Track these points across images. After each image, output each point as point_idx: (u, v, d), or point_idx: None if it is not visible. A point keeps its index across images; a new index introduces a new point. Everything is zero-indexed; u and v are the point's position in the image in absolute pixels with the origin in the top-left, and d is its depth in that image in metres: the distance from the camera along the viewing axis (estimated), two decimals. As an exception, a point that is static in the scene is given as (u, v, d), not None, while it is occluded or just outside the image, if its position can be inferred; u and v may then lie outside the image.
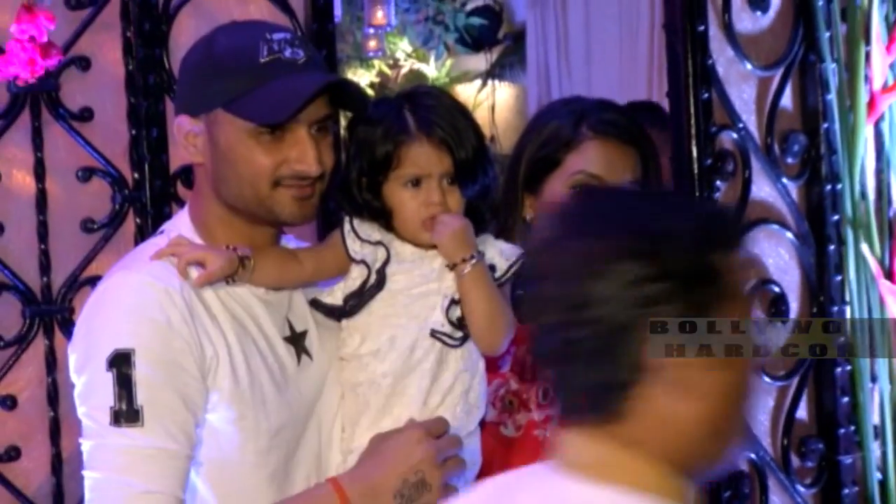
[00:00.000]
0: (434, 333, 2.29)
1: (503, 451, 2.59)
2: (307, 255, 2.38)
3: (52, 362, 3.33)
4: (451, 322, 2.30)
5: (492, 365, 2.58)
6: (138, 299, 2.19)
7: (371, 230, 2.33)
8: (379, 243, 2.32)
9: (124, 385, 2.11)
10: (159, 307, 2.16)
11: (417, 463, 2.18)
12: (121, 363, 2.12)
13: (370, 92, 7.13)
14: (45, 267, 3.37)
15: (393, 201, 2.30)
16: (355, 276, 2.31)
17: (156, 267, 2.23)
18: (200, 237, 2.30)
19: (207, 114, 2.24)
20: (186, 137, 2.28)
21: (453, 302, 2.30)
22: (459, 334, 2.30)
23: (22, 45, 2.87)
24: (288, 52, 2.22)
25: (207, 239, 2.30)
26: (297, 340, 2.32)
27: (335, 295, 2.33)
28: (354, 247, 2.32)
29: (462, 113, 2.34)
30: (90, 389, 2.15)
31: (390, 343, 2.28)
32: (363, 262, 2.31)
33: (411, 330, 2.28)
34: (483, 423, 2.52)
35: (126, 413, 2.11)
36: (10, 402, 3.35)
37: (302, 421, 2.28)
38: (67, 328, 3.37)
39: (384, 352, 2.28)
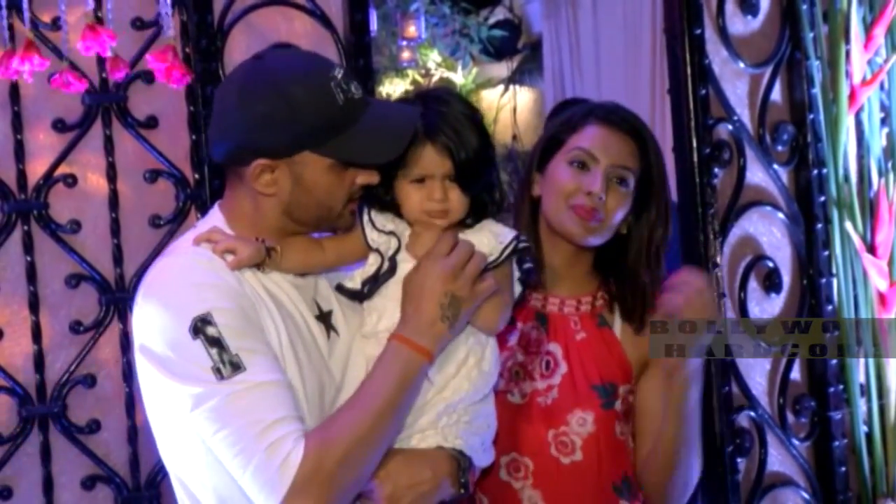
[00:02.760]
0: None
1: (510, 416, 2.56)
2: (330, 244, 2.35)
3: (126, 344, 3.31)
4: None
5: (500, 339, 2.55)
6: (194, 271, 2.17)
7: (386, 221, 2.31)
8: (391, 233, 2.30)
9: (215, 343, 2.08)
10: (215, 274, 2.15)
11: (442, 287, 2.20)
12: (203, 326, 2.08)
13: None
14: (117, 259, 3.37)
15: (400, 195, 2.29)
16: (371, 263, 2.30)
17: (199, 248, 2.22)
18: (229, 228, 2.27)
19: (292, 156, 2.19)
20: (262, 176, 2.21)
21: None
22: None
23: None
24: (354, 88, 2.20)
25: (236, 230, 2.27)
26: (325, 318, 2.31)
27: (355, 280, 2.31)
28: (372, 235, 2.30)
29: (469, 118, 2.29)
30: (183, 363, 2.10)
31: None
32: (377, 250, 2.30)
33: None
34: (495, 393, 2.51)
35: (227, 366, 2.08)
36: (90, 381, 3.35)
37: (333, 392, 2.26)
38: (139, 313, 3.39)
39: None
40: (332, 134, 2.17)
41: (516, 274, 2.36)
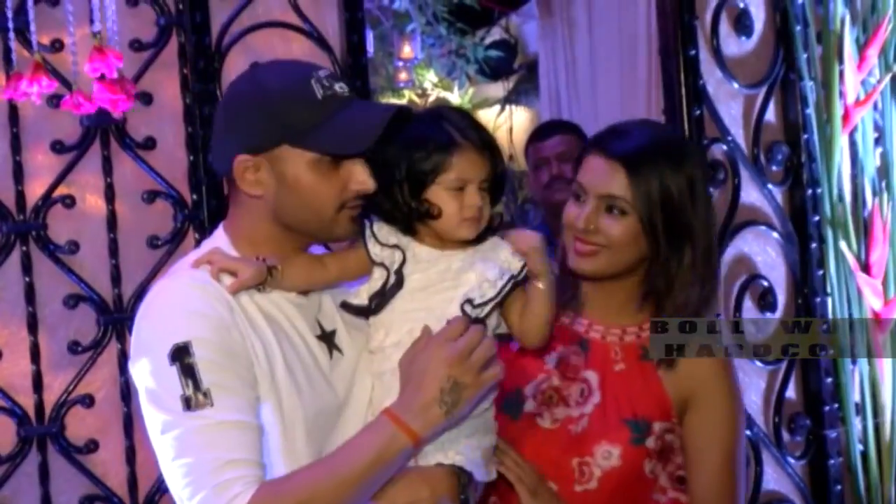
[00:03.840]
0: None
1: (537, 440, 2.51)
2: (331, 260, 2.33)
3: (124, 364, 3.29)
4: (466, 315, 2.25)
5: (538, 361, 2.55)
6: (185, 298, 2.15)
7: (389, 234, 2.29)
8: (395, 246, 2.28)
9: (189, 373, 2.07)
10: (205, 302, 2.13)
11: (445, 370, 2.14)
12: (181, 355, 2.07)
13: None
14: (115, 280, 3.37)
15: (438, 203, 2.26)
16: (377, 278, 2.28)
17: (197, 272, 2.20)
18: (236, 250, 2.26)
19: (271, 150, 2.18)
20: (245, 173, 2.20)
21: (468, 301, 2.25)
22: None
23: (108, 87, 2.85)
24: (338, 87, 2.18)
25: (244, 251, 2.25)
26: (327, 338, 2.29)
27: (360, 296, 2.29)
28: (375, 250, 2.28)
29: (486, 129, 2.33)
30: (160, 387, 2.10)
31: (409, 335, 2.24)
32: (382, 264, 2.28)
33: (429, 321, 2.23)
34: (521, 413, 2.50)
35: (196, 397, 2.06)
36: (88, 401, 3.34)
37: (336, 409, 2.24)
38: (138, 333, 3.39)
39: (404, 343, 2.24)
40: (310, 127, 2.15)
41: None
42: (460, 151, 2.24)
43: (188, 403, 2.07)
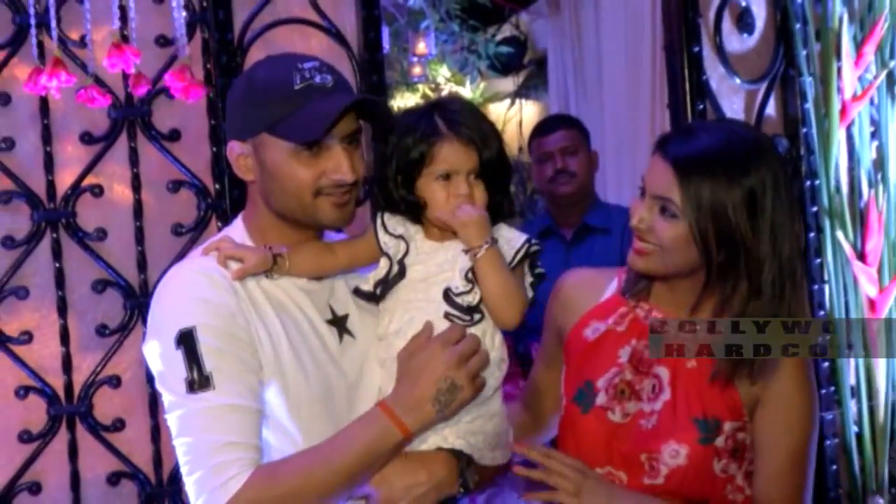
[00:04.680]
0: (447, 315, 2.23)
1: (607, 432, 2.42)
2: (341, 248, 2.34)
3: (151, 346, 3.32)
4: (457, 306, 2.23)
5: (611, 354, 2.47)
6: (191, 285, 2.16)
7: (397, 225, 2.29)
8: (400, 237, 2.27)
9: (193, 358, 2.09)
10: (210, 289, 2.14)
11: (444, 371, 2.13)
12: (186, 340, 2.09)
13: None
14: (141, 265, 3.38)
15: (426, 194, 2.25)
16: (382, 266, 2.27)
17: (206, 260, 2.22)
18: (251, 239, 2.28)
19: (254, 138, 2.21)
20: (238, 159, 2.25)
21: (449, 291, 2.24)
22: (467, 318, 2.24)
23: (178, 76, 2.91)
24: (318, 79, 2.18)
25: (258, 240, 2.27)
26: (338, 322, 2.29)
27: (369, 282, 2.29)
28: (384, 239, 2.27)
29: (484, 118, 2.29)
30: (167, 369, 2.12)
31: (409, 323, 2.24)
32: (387, 253, 2.27)
33: (429, 312, 2.23)
34: (592, 406, 2.44)
35: (199, 380, 2.08)
36: (115, 381, 3.36)
37: (347, 390, 2.24)
38: (163, 317, 3.40)
39: (404, 331, 2.24)
40: (283, 116, 2.16)
41: (528, 279, 2.31)
42: (445, 142, 2.23)
43: (191, 386, 2.09)
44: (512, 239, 2.26)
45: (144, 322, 3.31)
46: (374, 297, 2.29)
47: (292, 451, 2.15)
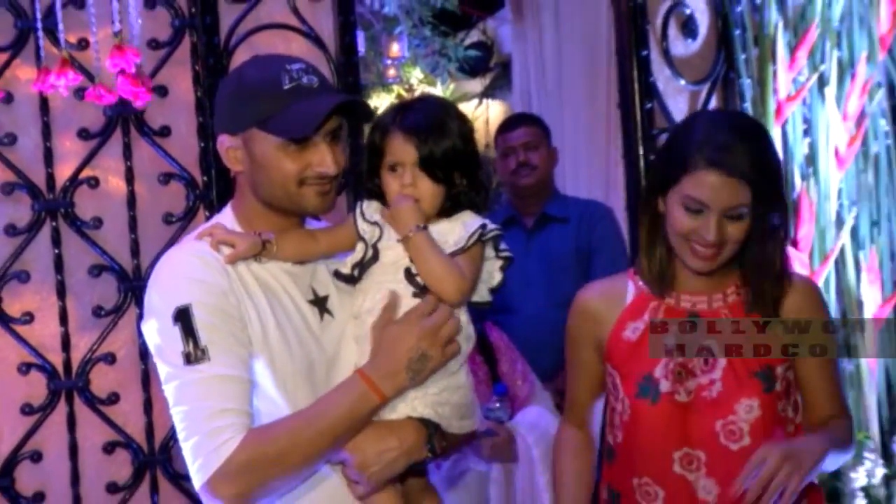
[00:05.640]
0: (416, 295, 2.23)
1: (679, 414, 2.41)
2: (323, 234, 2.33)
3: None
4: (416, 284, 2.23)
5: (658, 343, 2.45)
6: (186, 266, 2.17)
7: (374, 212, 2.28)
8: (376, 224, 2.27)
9: (189, 332, 2.09)
10: (204, 270, 2.15)
11: (416, 342, 2.15)
12: (183, 316, 2.10)
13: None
14: (134, 252, 3.38)
15: (382, 183, 2.27)
16: (359, 250, 2.27)
17: (199, 244, 2.21)
18: (240, 226, 2.27)
19: (243, 132, 2.20)
20: (228, 152, 2.24)
21: (408, 271, 2.24)
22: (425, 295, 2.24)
23: (130, 81, 2.88)
24: (305, 79, 2.18)
25: (246, 227, 2.27)
26: (319, 303, 2.29)
27: (347, 266, 2.28)
28: (362, 225, 2.27)
29: (441, 115, 2.25)
30: (165, 343, 2.12)
31: (380, 302, 2.24)
32: (364, 238, 2.27)
33: (398, 292, 2.23)
34: (659, 396, 2.41)
35: (195, 353, 2.09)
36: (110, 358, 3.37)
37: (327, 364, 2.25)
38: (154, 299, 3.40)
39: (376, 311, 2.24)
40: (273, 113, 2.16)
41: (498, 262, 2.30)
42: (390, 135, 2.24)
43: (188, 358, 2.09)
44: (468, 224, 2.24)
45: (137, 304, 3.35)
46: (351, 279, 2.29)
47: (278, 414, 2.16)
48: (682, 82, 3.82)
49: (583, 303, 2.60)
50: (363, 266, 2.27)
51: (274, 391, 2.16)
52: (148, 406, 3.37)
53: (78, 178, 3.34)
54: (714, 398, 2.41)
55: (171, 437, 3.34)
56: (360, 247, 2.28)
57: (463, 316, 2.28)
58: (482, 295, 2.31)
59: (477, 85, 8.41)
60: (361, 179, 2.33)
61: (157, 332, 2.14)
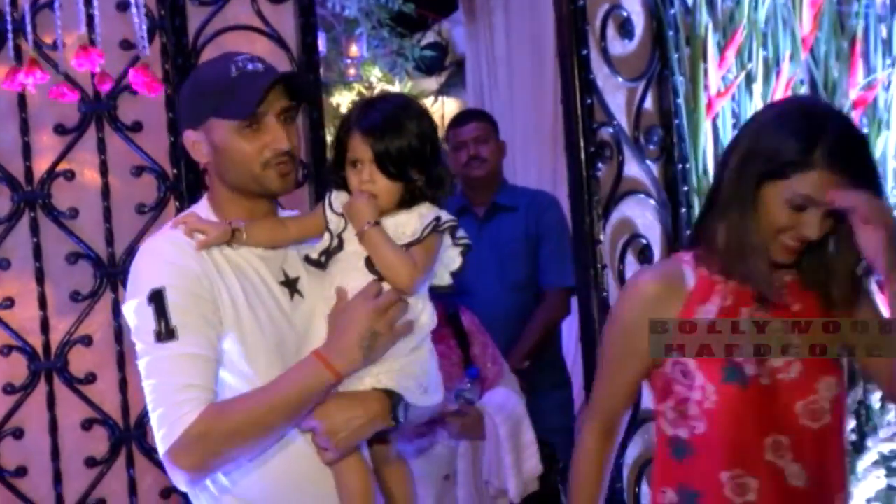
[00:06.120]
0: (376, 281, 2.27)
1: (769, 400, 2.25)
2: (292, 222, 2.38)
3: (117, 310, 3.34)
4: (376, 272, 2.27)
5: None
6: (161, 252, 2.23)
7: (340, 204, 2.32)
8: (342, 215, 2.31)
9: (161, 313, 2.15)
10: (177, 255, 2.21)
11: (366, 322, 2.19)
12: (157, 298, 2.16)
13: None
14: (109, 240, 3.40)
15: (346, 176, 2.30)
16: (325, 239, 2.31)
17: (175, 232, 2.27)
18: (215, 214, 2.33)
19: (203, 124, 2.26)
20: (193, 145, 2.30)
21: (367, 260, 2.28)
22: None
23: (142, 73, 2.98)
24: (249, 66, 2.24)
25: (220, 215, 2.32)
26: (290, 284, 2.33)
27: (315, 251, 2.33)
28: (329, 216, 2.31)
29: (398, 114, 2.27)
30: (140, 322, 2.19)
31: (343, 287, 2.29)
32: (329, 228, 2.31)
33: (359, 278, 2.27)
34: (747, 380, 2.24)
35: (165, 332, 2.14)
36: (87, 341, 3.39)
37: (296, 342, 2.29)
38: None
39: (332, 299, 2.29)
40: (225, 99, 2.21)
41: (458, 249, 2.32)
42: (350, 133, 2.27)
43: (158, 336, 2.15)
44: (425, 215, 2.27)
45: (112, 289, 3.38)
46: (319, 265, 2.33)
47: (248, 389, 2.21)
48: (620, 79, 3.85)
49: (644, 286, 2.38)
50: (329, 253, 2.31)
51: (246, 367, 2.21)
52: (123, 385, 3.39)
53: (55, 171, 3.35)
54: (793, 379, 2.25)
55: (145, 414, 3.31)
56: (326, 236, 2.31)
57: (422, 300, 2.32)
58: (443, 279, 2.35)
59: (433, 83, 8.44)
60: (324, 170, 2.37)
61: (134, 311, 2.20)
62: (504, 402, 3.61)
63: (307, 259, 2.35)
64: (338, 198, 2.33)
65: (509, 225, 4.55)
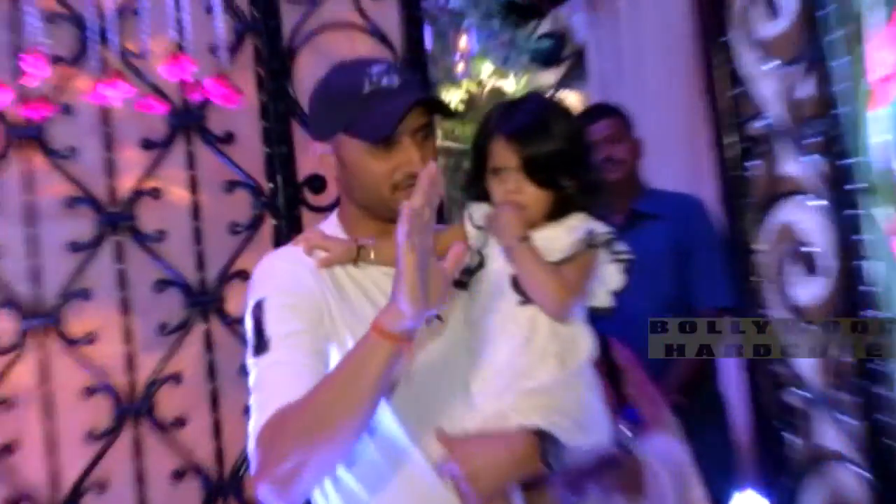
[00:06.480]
0: (522, 303, 2.26)
1: None
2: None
3: (210, 344, 3.44)
4: (522, 292, 2.26)
5: None
6: (272, 267, 2.33)
7: (481, 216, 2.34)
8: (481, 228, 2.33)
9: (258, 324, 2.23)
10: (285, 271, 2.30)
11: (406, 250, 1.93)
12: (257, 310, 2.25)
13: (461, 107, 7.18)
14: (200, 264, 3.48)
15: (490, 188, 2.32)
16: (467, 256, 2.31)
17: (293, 249, 2.36)
18: (343, 231, 2.40)
19: (332, 138, 2.33)
20: (321, 158, 2.38)
21: (513, 278, 2.28)
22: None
23: (221, 83, 3.06)
24: (385, 81, 2.28)
25: (350, 232, 2.39)
26: None
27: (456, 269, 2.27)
28: (469, 229, 2.34)
29: (544, 117, 2.28)
30: (248, 335, 2.27)
31: (486, 312, 2.29)
32: (470, 244, 2.32)
33: (504, 300, 2.27)
34: None
35: (260, 345, 2.22)
36: (177, 379, 3.46)
37: (433, 375, 2.29)
38: (221, 315, 3.50)
39: (482, 319, 2.30)
40: (356, 117, 2.27)
41: (617, 265, 2.33)
42: (493, 139, 2.29)
43: (256, 349, 2.22)
44: (575, 229, 2.28)
45: (203, 319, 3.45)
46: (461, 284, 2.34)
47: (378, 425, 2.23)
48: (771, 65, 3.81)
49: None
50: (471, 272, 2.34)
51: None
52: (216, 429, 3.44)
53: (141, 190, 3.44)
54: None
55: (243, 461, 3.42)
56: (468, 252, 2.32)
57: (578, 325, 2.32)
58: (603, 300, 2.35)
59: (551, 76, 8.44)
60: (465, 181, 2.40)
61: (245, 324, 2.29)
62: (667, 450, 3.56)
63: None
64: (477, 210, 2.36)
65: (652, 236, 4.46)
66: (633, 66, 6.69)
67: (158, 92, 3.23)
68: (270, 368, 2.20)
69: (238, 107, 3.10)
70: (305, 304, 2.26)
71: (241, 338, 3.35)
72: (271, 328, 2.22)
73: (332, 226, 2.43)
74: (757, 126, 3.82)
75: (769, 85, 3.84)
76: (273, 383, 2.18)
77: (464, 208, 2.40)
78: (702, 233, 4.38)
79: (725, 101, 3.73)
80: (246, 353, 2.27)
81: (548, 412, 2.24)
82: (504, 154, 2.28)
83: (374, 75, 2.29)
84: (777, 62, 3.84)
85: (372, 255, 2.33)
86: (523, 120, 2.29)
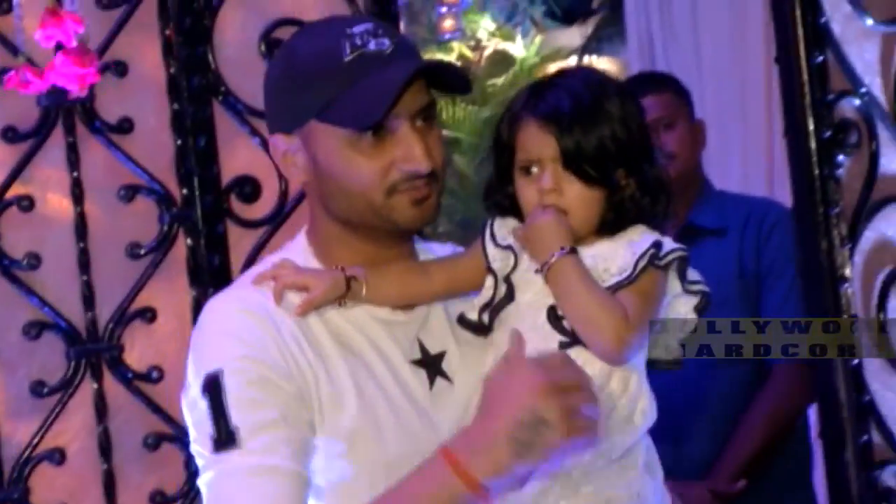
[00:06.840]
0: (565, 345, 2.21)
1: None
2: (438, 267, 2.36)
3: (103, 408, 3.41)
4: (563, 330, 2.22)
5: None
6: (225, 322, 2.23)
7: (507, 233, 2.30)
8: (509, 248, 2.28)
9: (218, 409, 2.15)
10: (247, 329, 2.20)
11: (528, 399, 2.01)
12: (213, 387, 2.16)
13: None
14: (88, 300, 3.44)
15: (517, 187, 2.28)
16: (488, 286, 2.28)
17: (251, 292, 2.27)
18: (316, 259, 2.33)
19: (300, 129, 2.26)
20: (285, 157, 2.31)
21: (552, 310, 2.22)
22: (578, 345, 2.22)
23: (74, 58, 2.93)
24: (372, 45, 2.22)
25: (324, 260, 2.32)
26: (430, 363, 2.30)
27: (475, 308, 2.29)
28: (491, 251, 2.29)
29: (595, 95, 2.25)
30: (196, 421, 2.20)
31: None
32: (493, 269, 2.28)
33: (538, 344, 2.19)
34: None
35: (223, 436, 2.14)
36: (58, 456, 3.43)
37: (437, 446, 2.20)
38: (117, 368, 3.45)
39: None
40: (333, 96, 2.21)
41: (692, 300, 2.29)
42: (523, 125, 2.26)
43: (216, 444, 2.14)
44: (636, 244, 2.24)
45: (94, 375, 3.42)
46: (481, 328, 2.30)
47: None
48: (870, 22, 3.77)
49: None
50: (494, 308, 2.28)
51: (358, 494, 2.18)
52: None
53: (4, 199, 3.42)
54: None
55: None
56: (489, 281, 2.29)
57: (635, 378, 2.27)
58: (669, 349, 2.34)
59: (574, 36, 8.47)
60: (486, 189, 2.35)
61: (188, 407, 2.22)
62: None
63: (462, 321, 2.32)
64: (501, 227, 2.32)
65: (715, 257, 4.42)
66: (686, 21, 6.70)
67: (32, 63, 3.18)
68: (241, 478, 2.14)
69: (82, 87, 3.05)
70: (282, 378, 2.18)
71: (146, 400, 3.40)
72: (237, 415, 2.14)
73: (299, 251, 2.36)
74: (850, 106, 3.78)
75: (869, 50, 3.82)
76: (256, 496, 2.12)
77: (483, 224, 2.35)
78: (782, 253, 4.31)
79: (806, 72, 3.69)
80: (194, 445, 2.21)
81: (588, 500, 2.24)
82: (538, 143, 2.24)
83: (356, 36, 2.23)
84: (880, 17, 3.82)
85: (364, 292, 2.27)
86: (562, 98, 2.24)
